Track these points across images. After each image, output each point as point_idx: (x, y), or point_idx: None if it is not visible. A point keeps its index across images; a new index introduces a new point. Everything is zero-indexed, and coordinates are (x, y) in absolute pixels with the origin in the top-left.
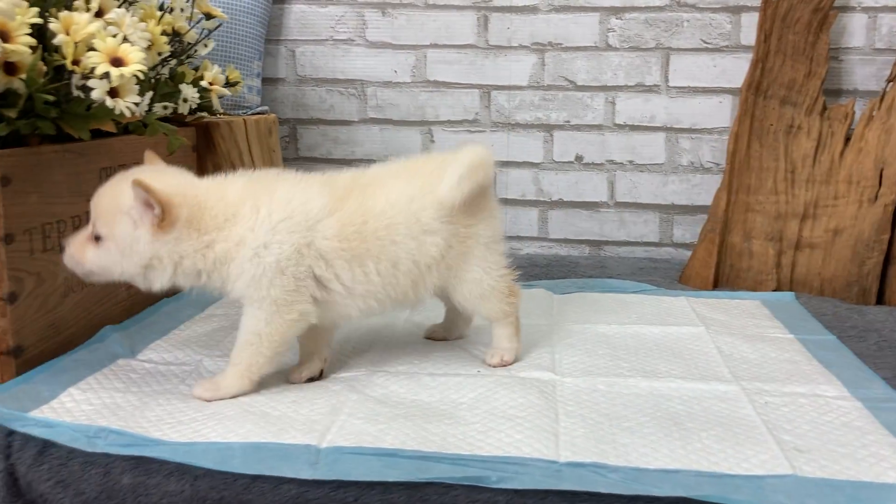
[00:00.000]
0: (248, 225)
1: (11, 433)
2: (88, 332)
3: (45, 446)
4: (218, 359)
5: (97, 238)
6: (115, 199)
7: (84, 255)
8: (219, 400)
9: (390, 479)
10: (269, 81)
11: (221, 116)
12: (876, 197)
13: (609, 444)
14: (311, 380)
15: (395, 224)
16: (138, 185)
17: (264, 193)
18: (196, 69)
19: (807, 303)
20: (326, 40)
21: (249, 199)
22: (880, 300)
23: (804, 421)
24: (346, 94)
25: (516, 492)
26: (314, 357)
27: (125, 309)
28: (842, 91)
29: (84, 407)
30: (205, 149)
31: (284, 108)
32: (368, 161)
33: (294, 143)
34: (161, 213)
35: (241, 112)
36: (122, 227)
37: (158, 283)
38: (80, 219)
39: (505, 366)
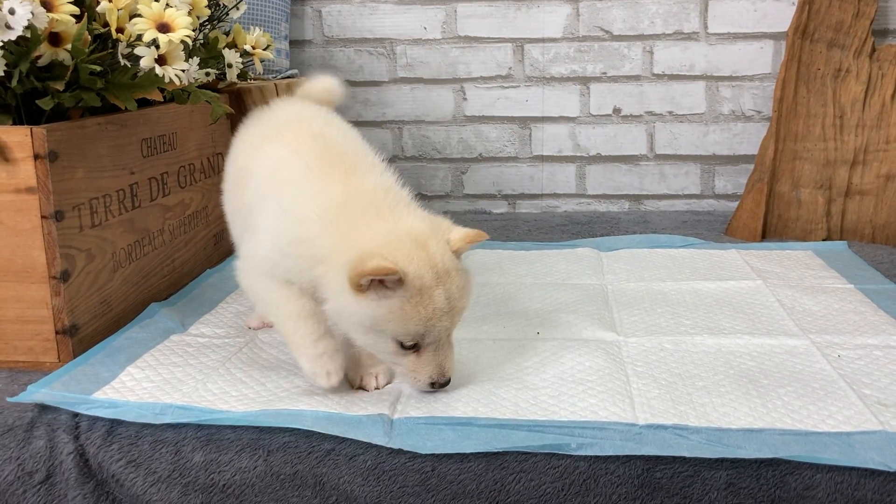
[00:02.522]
0: None
1: (77, 414)
2: (137, 307)
3: (114, 426)
4: (273, 332)
5: None
6: None
7: None
8: None
9: (467, 451)
10: (295, 44)
11: (252, 81)
12: None
13: (687, 405)
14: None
15: None
16: None
17: None
18: (227, 33)
19: (860, 251)
20: None
21: None
22: None
23: (883, 374)
24: (375, 54)
25: (597, 457)
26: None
27: (171, 282)
28: (889, 31)
29: (145, 384)
30: (237, 116)
31: (312, 71)
32: (399, 123)
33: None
34: None
35: (270, 76)
36: None
37: None
38: (124, 192)
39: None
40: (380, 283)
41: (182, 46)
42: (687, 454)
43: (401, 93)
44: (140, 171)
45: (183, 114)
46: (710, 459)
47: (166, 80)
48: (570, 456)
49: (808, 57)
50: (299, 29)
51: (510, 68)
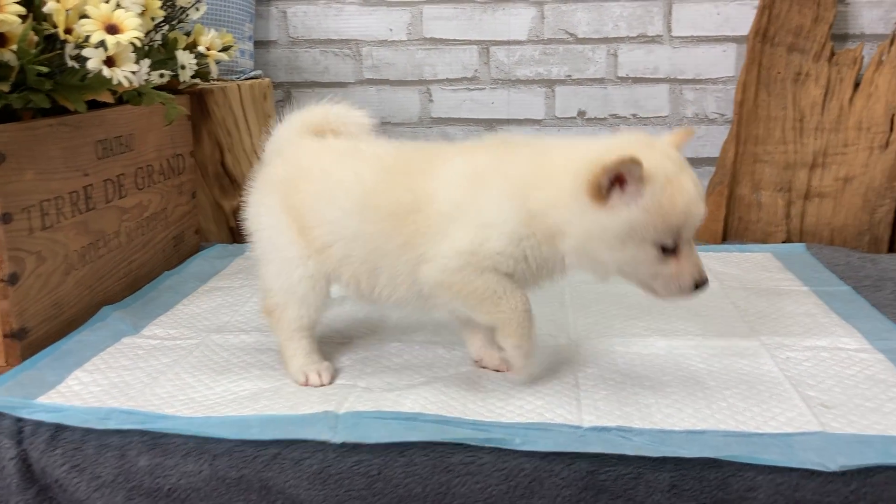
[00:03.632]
0: None
1: (21, 419)
2: (92, 309)
3: (58, 430)
4: (227, 334)
5: None
6: None
7: None
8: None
9: (412, 440)
10: (261, 44)
11: (215, 83)
12: (887, 143)
13: (632, 407)
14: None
15: None
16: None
17: None
18: (188, 34)
19: (818, 253)
20: (319, 0)
21: None
22: (892, 248)
23: (828, 376)
24: (341, 55)
25: (543, 457)
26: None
27: (128, 285)
28: (848, 35)
29: (92, 388)
30: (199, 116)
31: (278, 72)
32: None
33: (289, 107)
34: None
35: (234, 77)
36: None
37: None
38: (78, 194)
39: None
40: (622, 186)
41: (132, 48)
42: (629, 453)
43: (367, 94)
44: (95, 173)
45: (141, 115)
46: (653, 462)
47: (115, 81)
48: (516, 458)
49: (768, 61)
50: (264, 30)
51: (476, 70)
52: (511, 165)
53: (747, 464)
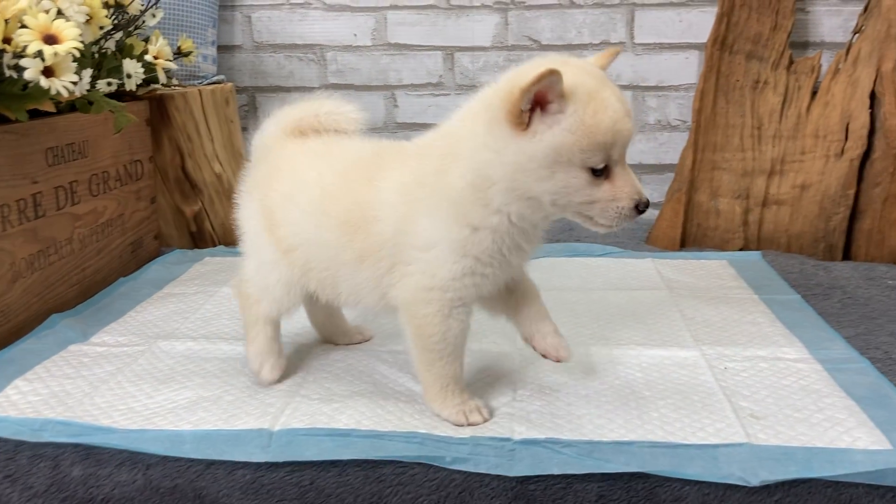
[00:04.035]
0: None
1: None
2: (41, 317)
3: None
4: (174, 341)
5: None
6: None
7: None
8: None
9: (344, 458)
10: (225, 49)
11: (176, 88)
12: (842, 151)
13: (564, 418)
14: None
15: None
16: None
17: None
18: (146, 40)
19: (773, 261)
20: (283, 4)
21: None
22: (847, 255)
23: (763, 386)
24: (306, 60)
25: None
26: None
27: (81, 291)
28: (809, 43)
29: (30, 398)
30: (159, 122)
31: (242, 76)
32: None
33: (253, 112)
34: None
35: (196, 82)
36: None
37: None
38: (26, 202)
39: None
40: (542, 108)
41: (71, 58)
42: (556, 472)
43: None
44: (45, 180)
45: (95, 122)
46: (581, 472)
47: (53, 92)
48: (447, 469)
49: (727, 68)
50: (229, 34)
51: (440, 76)
52: (423, 162)
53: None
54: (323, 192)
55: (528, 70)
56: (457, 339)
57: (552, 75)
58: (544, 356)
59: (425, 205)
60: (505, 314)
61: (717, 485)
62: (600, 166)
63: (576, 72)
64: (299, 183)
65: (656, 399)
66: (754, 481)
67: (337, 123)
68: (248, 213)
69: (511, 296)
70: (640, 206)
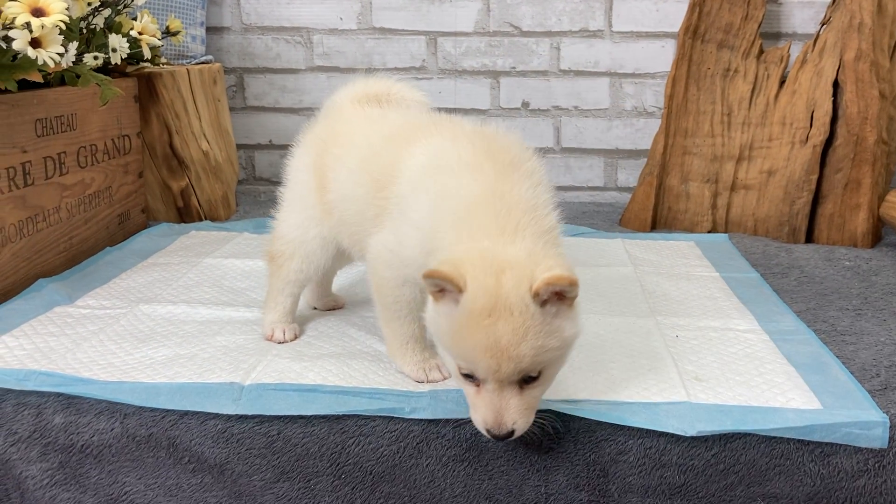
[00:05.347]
0: None
1: None
2: (29, 281)
3: None
4: (156, 304)
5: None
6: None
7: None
8: None
9: (309, 413)
10: (214, 31)
11: (164, 66)
12: (807, 138)
13: None
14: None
15: None
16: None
17: None
18: (135, 19)
19: (739, 243)
20: None
21: None
22: (810, 239)
23: (710, 352)
24: (293, 43)
25: (431, 421)
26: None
27: (67, 259)
28: (781, 34)
29: (17, 352)
30: (147, 99)
31: (231, 58)
32: (316, 110)
33: (241, 92)
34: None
35: (184, 62)
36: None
37: None
38: (15, 170)
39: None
40: (448, 294)
41: (58, 31)
42: None
43: (317, 80)
44: (34, 150)
45: (84, 96)
46: (532, 425)
47: (40, 62)
48: (406, 420)
49: (698, 56)
50: (217, 16)
51: (424, 60)
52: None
53: (619, 428)
54: (368, 152)
55: (463, 262)
56: (410, 304)
57: (448, 281)
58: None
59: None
60: None
61: (657, 439)
62: (465, 373)
63: (482, 290)
64: (351, 146)
65: (607, 362)
66: (691, 432)
67: (406, 102)
68: (300, 165)
69: None
70: (491, 434)
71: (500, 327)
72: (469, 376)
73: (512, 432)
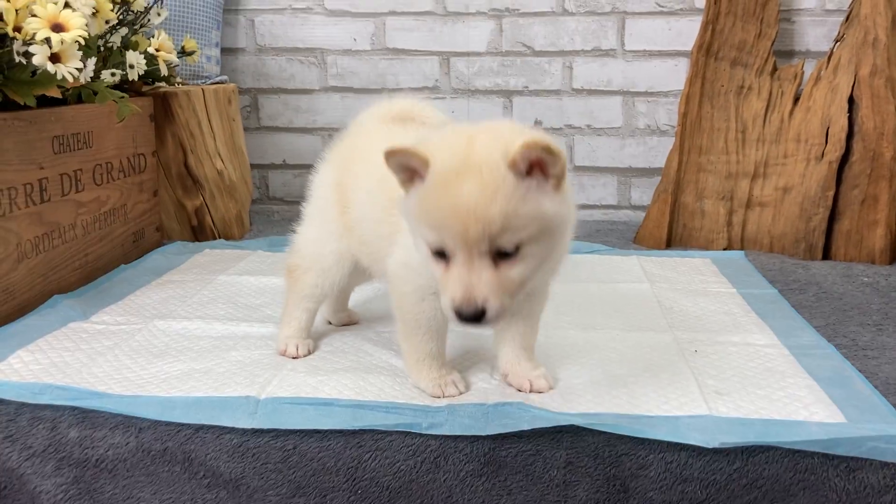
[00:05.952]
0: None
1: None
2: (45, 297)
3: None
4: (171, 320)
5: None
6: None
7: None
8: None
9: (325, 427)
10: (229, 51)
11: (180, 86)
12: (822, 155)
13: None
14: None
15: None
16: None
17: None
18: (152, 38)
19: (755, 259)
20: (285, 9)
21: None
22: (827, 255)
23: (729, 367)
24: (307, 63)
25: (448, 436)
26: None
27: (82, 276)
28: (794, 52)
29: (32, 367)
30: (163, 118)
31: (245, 78)
32: (330, 130)
33: (255, 112)
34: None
35: (200, 82)
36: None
37: None
38: (32, 186)
39: None
40: (417, 178)
41: (77, 46)
42: (527, 427)
43: (331, 101)
44: (50, 167)
45: (101, 114)
46: (550, 440)
47: (59, 77)
48: (423, 435)
49: (712, 74)
50: (232, 37)
51: (437, 80)
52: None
53: (639, 442)
54: (385, 171)
55: (433, 139)
56: (430, 321)
57: (413, 156)
58: (519, 390)
59: None
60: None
61: (679, 453)
62: (435, 250)
63: (453, 153)
64: (368, 165)
65: (626, 377)
66: (713, 444)
67: (429, 120)
68: (324, 181)
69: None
70: (461, 315)
71: (468, 186)
72: (440, 254)
73: (483, 312)
